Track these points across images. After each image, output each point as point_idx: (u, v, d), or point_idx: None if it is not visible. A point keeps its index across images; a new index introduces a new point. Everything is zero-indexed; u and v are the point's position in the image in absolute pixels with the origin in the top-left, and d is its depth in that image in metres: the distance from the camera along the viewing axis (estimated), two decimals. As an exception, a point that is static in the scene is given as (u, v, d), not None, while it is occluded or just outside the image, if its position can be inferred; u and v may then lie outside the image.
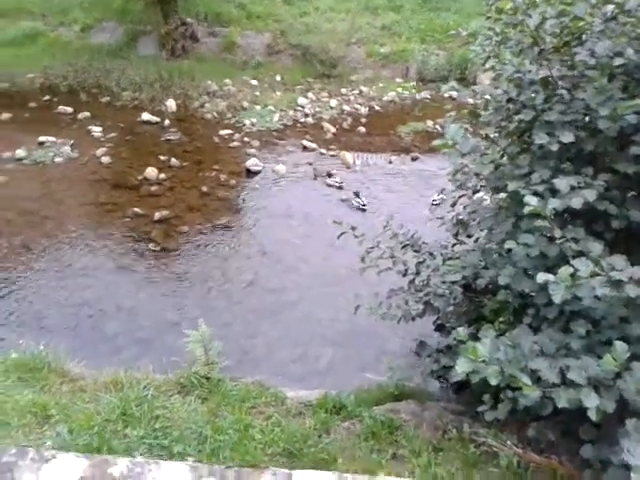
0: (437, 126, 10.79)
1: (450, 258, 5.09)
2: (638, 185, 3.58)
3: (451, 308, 4.81)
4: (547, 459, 4.04)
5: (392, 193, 8.89)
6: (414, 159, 9.84)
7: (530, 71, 3.59)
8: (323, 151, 9.83)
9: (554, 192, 3.31)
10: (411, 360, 5.67)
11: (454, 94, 12.03)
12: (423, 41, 12.92)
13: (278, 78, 12.25)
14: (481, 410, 3.86)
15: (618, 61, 3.19)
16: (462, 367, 2.96)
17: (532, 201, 3.18)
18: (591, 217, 3.47)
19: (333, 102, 11.47)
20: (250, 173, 9.19)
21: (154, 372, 5.26)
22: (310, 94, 11.73)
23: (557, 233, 3.16)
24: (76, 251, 7.41)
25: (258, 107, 11.07)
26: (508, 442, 4.18)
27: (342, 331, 6.53)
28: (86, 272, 7.14)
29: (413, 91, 12.05)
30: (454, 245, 5.57)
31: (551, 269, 3.41)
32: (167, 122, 10.48)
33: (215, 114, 10.89)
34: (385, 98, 11.76)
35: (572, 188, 3.21)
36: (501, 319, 4.56)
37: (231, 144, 9.99)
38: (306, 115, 11.01)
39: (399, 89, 12.07)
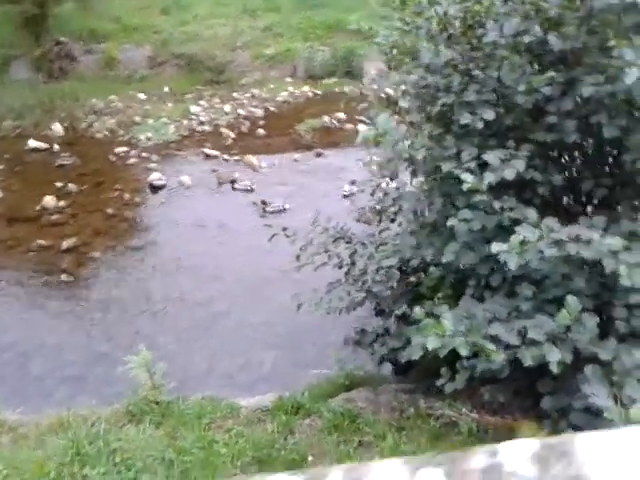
0: (334, 121, 10.99)
1: (381, 244, 5.23)
2: (555, 151, 3.85)
3: (389, 292, 4.94)
4: (502, 419, 4.28)
5: (304, 190, 8.95)
6: (318, 155, 9.96)
7: (443, 56, 3.75)
8: (226, 157, 9.73)
9: (483, 167, 3.49)
10: (354, 349, 5.77)
11: (345, 89, 12.35)
12: (306, 39, 13.07)
13: (166, 89, 11.97)
14: (440, 383, 3.99)
15: (527, 38, 3.41)
16: (432, 343, 3.06)
17: (468, 178, 3.34)
18: (519, 187, 3.68)
19: (227, 107, 11.37)
20: (154, 188, 8.94)
21: (97, 406, 5.05)
22: (202, 102, 11.56)
23: (496, 205, 3.33)
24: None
25: (151, 120, 10.77)
26: (464, 410, 4.38)
27: (279, 333, 6.51)
28: (-3, 315, 6.67)
29: (305, 89, 12.18)
30: (380, 232, 5.73)
31: (490, 240, 3.60)
32: (57, 147, 9.97)
33: (106, 132, 10.48)
34: (278, 99, 11.81)
35: (502, 161, 3.40)
36: (439, 295, 4.74)
37: (129, 161, 9.66)
38: (202, 123, 10.85)
39: (290, 88, 12.17)
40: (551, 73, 3.36)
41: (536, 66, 3.63)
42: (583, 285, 3.25)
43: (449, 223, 3.49)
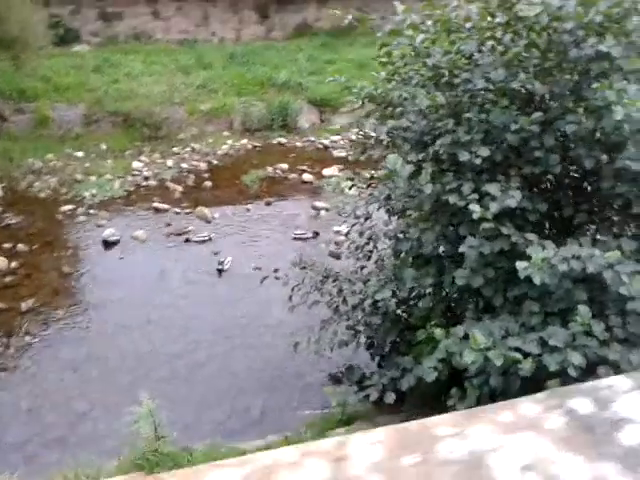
0: (277, 171, 11.32)
1: (366, 280, 5.52)
2: (537, 183, 4.32)
3: (383, 324, 5.20)
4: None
5: (260, 238, 9.15)
6: (268, 204, 10.21)
7: (437, 101, 4.16)
8: (177, 210, 9.79)
9: (480, 200, 3.89)
10: (343, 387, 5.95)
11: (283, 140, 12.78)
12: (240, 94, 13.44)
13: (104, 147, 11.91)
14: (451, 403, 4.25)
15: (515, 84, 3.89)
16: (468, 357, 3.34)
17: (476, 208, 3.71)
18: (511, 215, 4.10)
19: (169, 162, 11.46)
20: (108, 244, 8.84)
21: (98, 462, 4.95)
22: (143, 157, 11.59)
23: (505, 230, 3.72)
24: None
25: (93, 178, 10.67)
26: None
27: (260, 378, 6.57)
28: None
29: (244, 142, 12.49)
30: (362, 269, 6.02)
31: (491, 264, 3.98)
32: (-2, 208, 9.67)
33: (49, 191, 10.28)
34: (219, 152, 12.03)
35: (501, 192, 3.81)
36: (432, 322, 5.06)
37: (77, 219, 9.51)
38: (146, 178, 10.86)
39: (229, 141, 12.43)
40: (538, 113, 3.84)
41: (516, 107, 4.12)
42: (585, 297, 3.65)
43: (461, 249, 3.83)
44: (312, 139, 12.91)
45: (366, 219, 6.19)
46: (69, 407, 6.12)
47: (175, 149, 12.02)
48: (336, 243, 9.00)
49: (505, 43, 4.03)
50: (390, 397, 4.87)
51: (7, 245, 8.64)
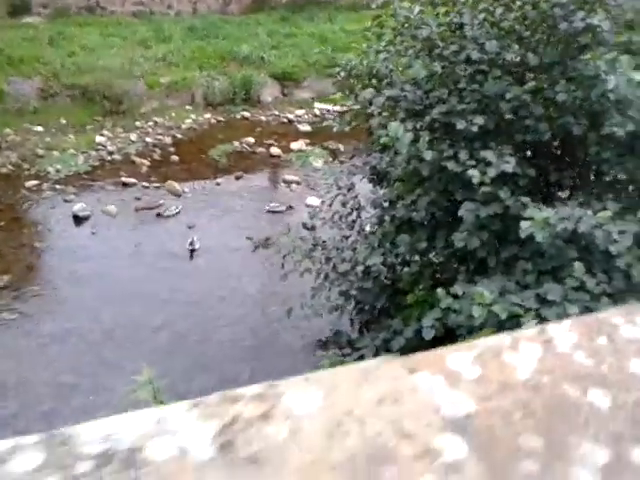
0: (245, 145, 11.33)
1: (354, 248, 5.70)
2: (526, 150, 4.56)
3: (376, 289, 5.40)
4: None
5: (233, 211, 9.20)
6: (238, 178, 10.24)
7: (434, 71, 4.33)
8: (145, 184, 9.71)
9: (475, 166, 4.10)
10: (331, 351, 6.14)
11: (246, 114, 12.75)
12: (201, 68, 13.29)
13: (63, 121, 11.61)
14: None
15: (508, 56, 4.09)
16: (477, 312, 3.55)
17: (475, 173, 3.92)
18: (504, 180, 4.33)
19: (133, 136, 11.29)
20: (79, 219, 8.72)
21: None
22: (105, 132, 11.36)
23: (502, 194, 3.94)
24: None
25: (56, 153, 10.44)
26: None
27: (246, 346, 6.71)
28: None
29: (207, 116, 12.40)
30: (347, 238, 6.20)
31: (486, 226, 4.22)
32: (-42, 184, 9.36)
33: (10, 167, 10.01)
34: (183, 126, 11.92)
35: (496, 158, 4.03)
36: (421, 286, 5.29)
37: (44, 194, 9.32)
38: (110, 153, 10.69)
39: (192, 116, 12.33)
40: (531, 83, 4.06)
41: (509, 77, 4.33)
42: (576, 255, 3.93)
43: (460, 213, 4.04)
44: (276, 113, 12.93)
45: (349, 189, 6.35)
46: (57, 381, 6.11)
47: (138, 123, 11.83)
48: (310, 216, 9.13)
49: (497, 16, 4.22)
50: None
51: (-28, 222, 8.42)
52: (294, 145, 11.34)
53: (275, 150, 11.17)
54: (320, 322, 6.48)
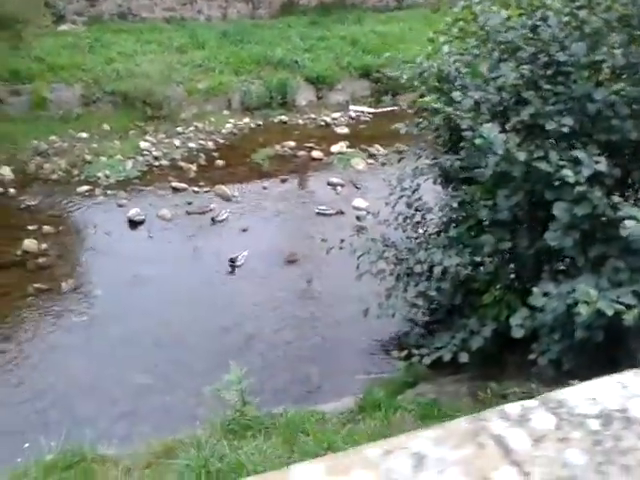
0: (286, 149, 11.45)
1: (427, 248, 5.79)
2: (610, 150, 4.64)
3: (450, 289, 5.49)
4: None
5: (284, 214, 9.33)
6: (283, 181, 10.37)
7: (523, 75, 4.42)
8: (195, 189, 9.86)
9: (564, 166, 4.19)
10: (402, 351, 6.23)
11: (284, 118, 12.89)
12: (237, 73, 13.46)
13: (106, 127, 11.81)
14: (534, 357, 4.58)
15: (599, 56, 4.18)
16: (584, 310, 3.64)
17: (569, 173, 4.01)
18: (592, 179, 4.41)
19: (176, 141, 11.47)
20: (134, 223, 8.89)
21: (190, 429, 5.11)
22: (148, 137, 11.55)
23: (597, 193, 4.03)
24: (4, 344, 6.59)
25: (103, 158, 10.62)
26: (533, 385, 4.98)
27: (313, 347, 6.82)
28: (19, 362, 6.39)
29: (246, 120, 12.55)
30: (416, 239, 6.30)
31: (577, 226, 4.31)
32: (12, 191, 9.55)
33: (60, 173, 10.20)
34: (224, 131, 12.08)
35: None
36: (497, 287, 5.37)
37: (97, 199, 9.51)
38: (156, 158, 10.86)
39: (232, 120, 12.48)
40: (620, 84, 4.15)
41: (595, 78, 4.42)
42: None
43: (555, 212, 4.13)
44: (313, 116, 13.06)
45: (414, 191, 6.45)
46: (132, 381, 6.24)
47: (179, 128, 12.01)
48: (358, 218, 9.25)
49: (582, 18, 4.31)
50: (464, 357, 5.17)
51: (32, 227, 8.60)
52: (334, 148, 11.46)
53: (317, 153, 11.29)
54: (385, 324, 6.59)
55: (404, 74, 6.09)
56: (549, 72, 4.51)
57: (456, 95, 4.49)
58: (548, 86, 4.41)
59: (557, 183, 4.22)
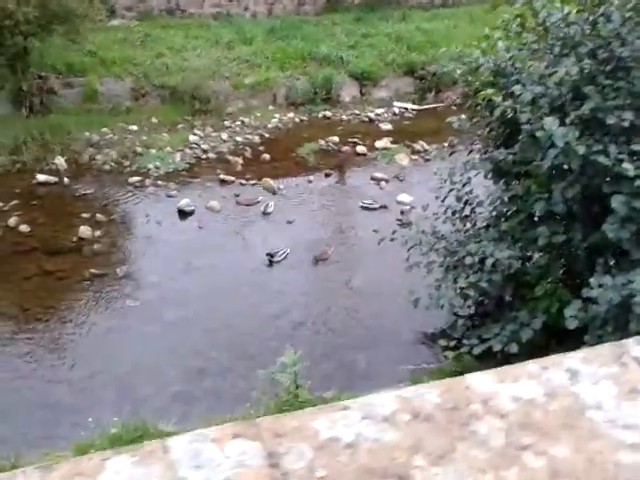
0: (330, 144, 11.58)
1: (479, 241, 5.85)
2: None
3: (500, 281, 5.55)
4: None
5: (330, 207, 9.48)
6: (327, 175, 10.50)
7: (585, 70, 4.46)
8: (242, 182, 10.06)
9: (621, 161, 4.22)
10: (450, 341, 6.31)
11: (328, 113, 13.02)
12: (282, 68, 13.63)
13: (155, 120, 12.09)
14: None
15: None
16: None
17: (630, 167, 4.05)
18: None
19: (224, 135, 11.69)
20: (184, 214, 9.12)
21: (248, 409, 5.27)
22: (197, 131, 11.80)
23: (657, 187, 4.06)
24: (63, 326, 6.88)
25: (153, 150, 10.90)
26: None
27: (358, 336, 6.94)
28: (77, 343, 6.67)
29: (290, 115, 12.72)
30: (466, 232, 6.37)
31: (634, 219, 4.33)
32: (67, 180, 9.89)
33: (112, 164, 10.50)
34: (269, 125, 12.27)
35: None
36: (549, 280, 5.40)
37: (147, 190, 9.78)
38: (204, 151, 11.10)
39: (277, 115, 12.66)
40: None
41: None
42: None
43: (613, 204, 4.17)
44: (356, 112, 13.16)
45: (464, 184, 6.51)
46: (184, 364, 6.46)
47: (226, 123, 12.23)
48: (402, 212, 9.34)
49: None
50: (514, 347, 5.25)
51: (86, 215, 8.90)
52: (378, 143, 11.54)
53: (360, 148, 11.39)
54: (428, 316, 6.67)
55: (457, 69, 6.17)
56: (608, 67, 4.53)
57: (517, 89, 4.55)
58: (609, 81, 4.45)
59: (615, 176, 4.27)
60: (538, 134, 4.22)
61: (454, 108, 13.57)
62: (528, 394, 0.85)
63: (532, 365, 0.91)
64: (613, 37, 4.42)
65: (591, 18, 4.57)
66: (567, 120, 4.44)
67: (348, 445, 0.79)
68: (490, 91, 4.77)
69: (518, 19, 4.98)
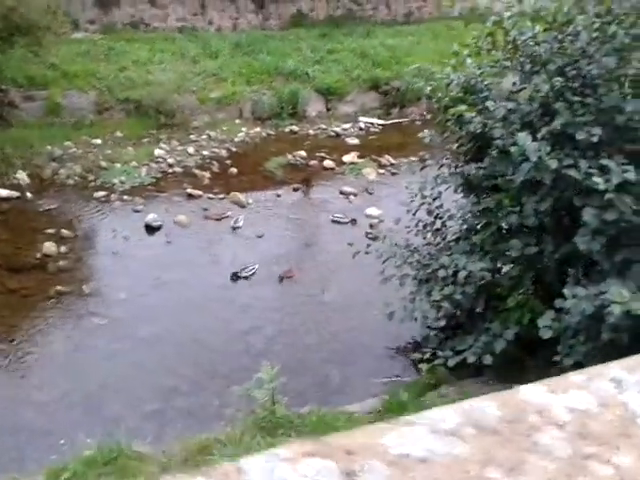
0: (297, 158, 11.60)
1: (450, 254, 5.92)
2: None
3: (473, 293, 5.62)
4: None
5: (299, 221, 9.47)
6: (296, 189, 10.51)
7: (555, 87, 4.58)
8: (210, 196, 9.99)
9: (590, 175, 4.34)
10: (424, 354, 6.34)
11: (294, 128, 13.06)
12: (248, 83, 13.64)
13: (119, 134, 11.94)
14: (558, 359, 4.71)
15: (630, 70, 4.35)
16: (617, 309, 3.78)
17: (600, 181, 4.17)
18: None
19: (190, 149, 11.61)
20: (151, 229, 9.00)
21: (221, 429, 5.20)
22: (162, 145, 11.69)
23: (626, 200, 4.18)
24: (28, 345, 6.67)
25: (118, 165, 10.74)
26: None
27: (332, 350, 6.92)
28: (44, 363, 6.48)
29: (257, 130, 12.72)
30: (437, 245, 6.44)
31: (604, 231, 4.44)
32: (29, 195, 9.66)
33: (76, 178, 10.31)
34: (236, 139, 12.23)
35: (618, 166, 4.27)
36: (520, 291, 5.50)
37: (113, 204, 9.62)
38: (170, 165, 11.00)
39: (244, 129, 12.64)
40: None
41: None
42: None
43: (585, 217, 4.28)
44: (323, 127, 13.23)
45: (434, 198, 6.59)
46: (156, 382, 6.33)
47: (192, 137, 12.16)
48: (371, 225, 9.39)
49: (612, 33, 4.48)
50: (488, 359, 5.30)
51: (51, 230, 8.70)
52: (346, 158, 11.62)
53: (328, 163, 11.45)
54: (400, 329, 6.72)
55: (428, 86, 6.27)
56: (576, 84, 4.67)
57: (490, 104, 4.64)
58: (577, 98, 4.57)
59: (585, 190, 4.38)
60: (512, 149, 4.31)
61: (418, 123, 13.83)
62: (581, 405, 0.86)
63: (577, 376, 0.93)
64: (580, 55, 4.56)
65: (560, 37, 4.71)
66: (538, 135, 4.54)
67: (420, 460, 0.78)
68: (462, 107, 4.85)
69: (489, 37, 5.09)
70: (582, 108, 4.59)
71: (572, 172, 4.33)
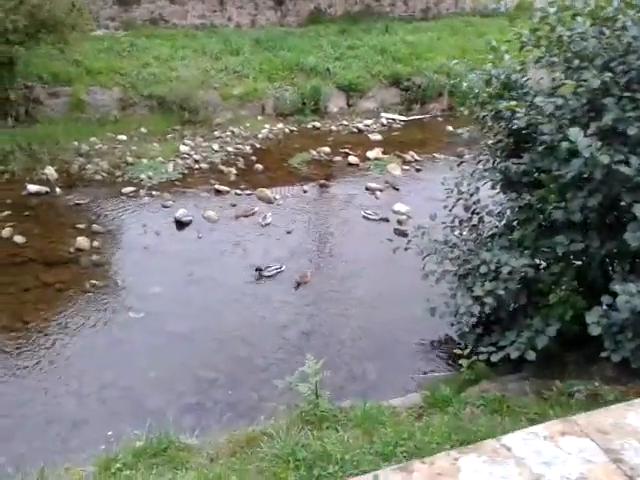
0: (322, 154, 11.63)
1: (487, 250, 5.93)
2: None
3: (516, 290, 5.63)
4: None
5: (329, 217, 9.50)
6: (322, 186, 10.53)
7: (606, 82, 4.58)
8: (237, 192, 10.03)
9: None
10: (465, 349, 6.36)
11: (317, 124, 13.08)
12: (270, 79, 13.67)
13: (144, 130, 12.00)
14: (606, 355, 4.72)
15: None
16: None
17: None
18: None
19: (215, 145, 11.65)
20: (182, 224, 9.04)
21: (264, 422, 5.23)
22: (187, 141, 11.74)
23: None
24: (66, 338, 6.73)
25: (145, 160, 10.80)
26: (596, 384, 5.08)
27: (365, 347, 6.94)
28: (82, 355, 6.54)
29: (280, 126, 12.75)
30: (474, 241, 6.45)
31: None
32: (58, 190, 9.73)
33: (104, 174, 10.38)
34: (260, 136, 12.27)
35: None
36: (563, 287, 5.50)
37: (142, 200, 9.68)
38: (196, 161, 11.05)
39: (267, 125, 12.67)
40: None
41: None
42: None
43: (637, 213, 4.28)
44: (345, 123, 13.26)
45: (471, 194, 6.60)
46: (195, 375, 6.38)
47: (216, 133, 12.21)
48: (399, 222, 9.41)
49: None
50: (531, 355, 5.31)
51: (81, 225, 8.77)
52: (370, 154, 11.64)
53: (353, 158, 11.47)
54: (434, 325, 6.75)
55: (465, 81, 6.27)
56: (623, 80, 4.67)
57: (539, 100, 4.65)
58: (628, 93, 4.57)
59: (636, 186, 4.39)
60: (563, 144, 4.31)
61: (440, 119, 13.83)
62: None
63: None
64: (628, 50, 4.56)
65: (607, 32, 4.71)
66: (588, 131, 4.54)
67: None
68: (513, 103, 4.86)
69: (536, 32, 5.09)
70: (631, 103, 4.59)
71: (623, 168, 4.34)
